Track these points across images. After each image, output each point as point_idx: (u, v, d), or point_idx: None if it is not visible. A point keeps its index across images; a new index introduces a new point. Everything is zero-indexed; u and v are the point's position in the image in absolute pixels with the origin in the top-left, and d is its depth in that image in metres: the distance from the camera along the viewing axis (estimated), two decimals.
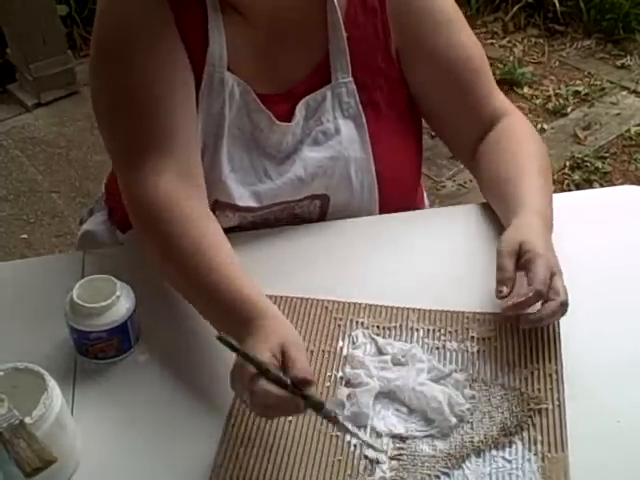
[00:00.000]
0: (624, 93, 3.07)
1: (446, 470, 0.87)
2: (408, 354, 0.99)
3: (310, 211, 1.21)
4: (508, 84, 3.12)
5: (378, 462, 0.88)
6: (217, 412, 0.94)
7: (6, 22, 2.91)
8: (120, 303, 0.98)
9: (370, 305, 1.06)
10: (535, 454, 0.88)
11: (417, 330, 1.03)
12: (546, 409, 0.93)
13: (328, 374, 0.98)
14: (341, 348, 1.01)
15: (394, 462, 0.88)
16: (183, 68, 1.09)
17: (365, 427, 0.92)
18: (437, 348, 1.01)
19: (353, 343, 1.02)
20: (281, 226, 1.20)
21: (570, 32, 3.43)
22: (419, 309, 1.06)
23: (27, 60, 2.91)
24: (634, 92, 3.07)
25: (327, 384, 0.97)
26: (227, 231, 1.05)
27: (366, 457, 0.89)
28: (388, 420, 0.93)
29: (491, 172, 1.16)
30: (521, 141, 1.17)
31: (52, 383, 0.85)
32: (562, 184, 2.62)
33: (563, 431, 0.90)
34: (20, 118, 2.96)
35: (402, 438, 0.91)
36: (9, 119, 2.97)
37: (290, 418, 0.92)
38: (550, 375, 0.97)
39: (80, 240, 1.40)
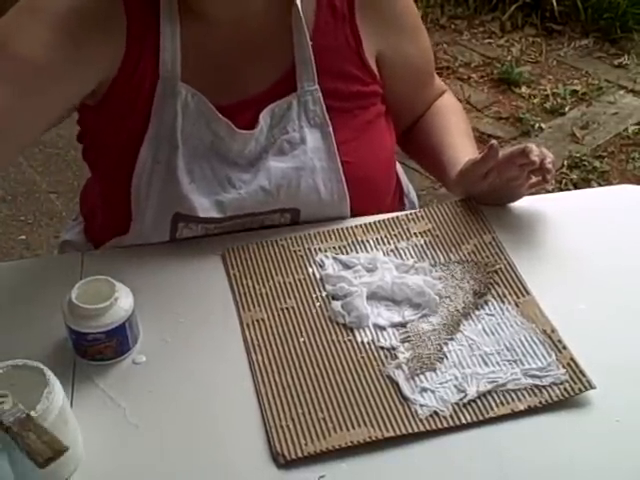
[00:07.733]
0: (622, 92, 3.08)
1: (450, 337, 1.01)
2: (373, 260, 1.11)
3: (280, 223, 1.19)
4: (506, 83, 3.12)
5: (394, 348, 0.99)
6: (216, 412, 0.94)
7: None
8: (118, 305, 0.97)
9: (317, 232, 1.17)
10: (509, 304, 1.05)
11: (367, 241, 1.16)
12: (500, 268, 1.10)
13: (314, 296, 1.07)
14: (313, 273, 1.11)
15: (406, 344, 1.00)
16: (60, 72, 1.06)
17: (368, 326, 1.02)
18: (391, 250, 1.14)
19: (321, 267, 1.12)
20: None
21: (568, 31, 3.43)
22: (361, 224, 1.18)
23: None
24: (632, 91, 3.08)
25: (318, 304, 1.06)
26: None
27: (382, 347, 1.00)
28: (384, 315, 1.04)
29: (431, 138, 1.30)
30: (453, 112, 1.36)
31: (52, 377, 0.85)
32: (560, 183, 2.62)
33: (521, 280, 1.08)
34: None
35: (402, 324, 1.03)
36: None
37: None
38: (490, 243, 1.14)
39: (59, 249, 1.37)
